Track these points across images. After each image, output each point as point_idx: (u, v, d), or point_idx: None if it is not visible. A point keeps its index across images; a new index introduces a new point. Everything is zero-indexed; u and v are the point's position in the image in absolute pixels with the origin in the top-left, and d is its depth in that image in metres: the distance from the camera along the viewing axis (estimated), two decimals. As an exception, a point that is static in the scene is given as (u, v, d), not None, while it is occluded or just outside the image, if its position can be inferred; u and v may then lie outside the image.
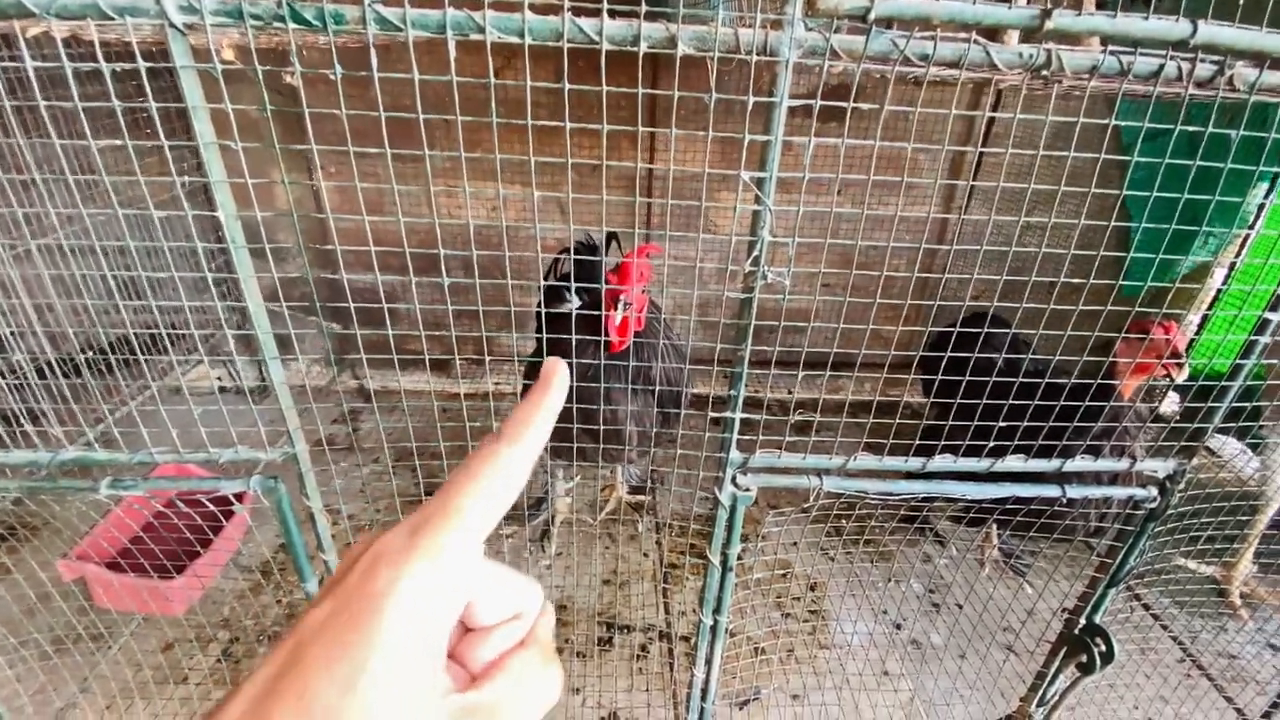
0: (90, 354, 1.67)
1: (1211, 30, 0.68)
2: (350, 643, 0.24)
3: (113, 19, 0.65)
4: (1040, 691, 1.22)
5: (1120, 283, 1.13)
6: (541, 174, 2.24)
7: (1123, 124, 0.92)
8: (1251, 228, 2.20)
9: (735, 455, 0.92)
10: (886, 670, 1.70)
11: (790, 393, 2.76)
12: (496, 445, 0.30)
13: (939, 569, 2.05)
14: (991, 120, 2.49)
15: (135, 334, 1.05)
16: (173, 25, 0.65)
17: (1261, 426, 1.67)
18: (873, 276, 2.28)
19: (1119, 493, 0.99)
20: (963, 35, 0.68)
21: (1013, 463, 0.95)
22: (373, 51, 0.65)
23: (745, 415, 0.90)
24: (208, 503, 1.05)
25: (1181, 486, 0.99)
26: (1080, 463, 0.95)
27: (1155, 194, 0.78)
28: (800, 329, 2.50)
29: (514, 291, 1.61)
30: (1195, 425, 0.98)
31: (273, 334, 0.87)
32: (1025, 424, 0.93)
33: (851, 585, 1.97)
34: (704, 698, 1.25)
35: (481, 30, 0.63)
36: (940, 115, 2.25)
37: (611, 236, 1.69)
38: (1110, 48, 0.70)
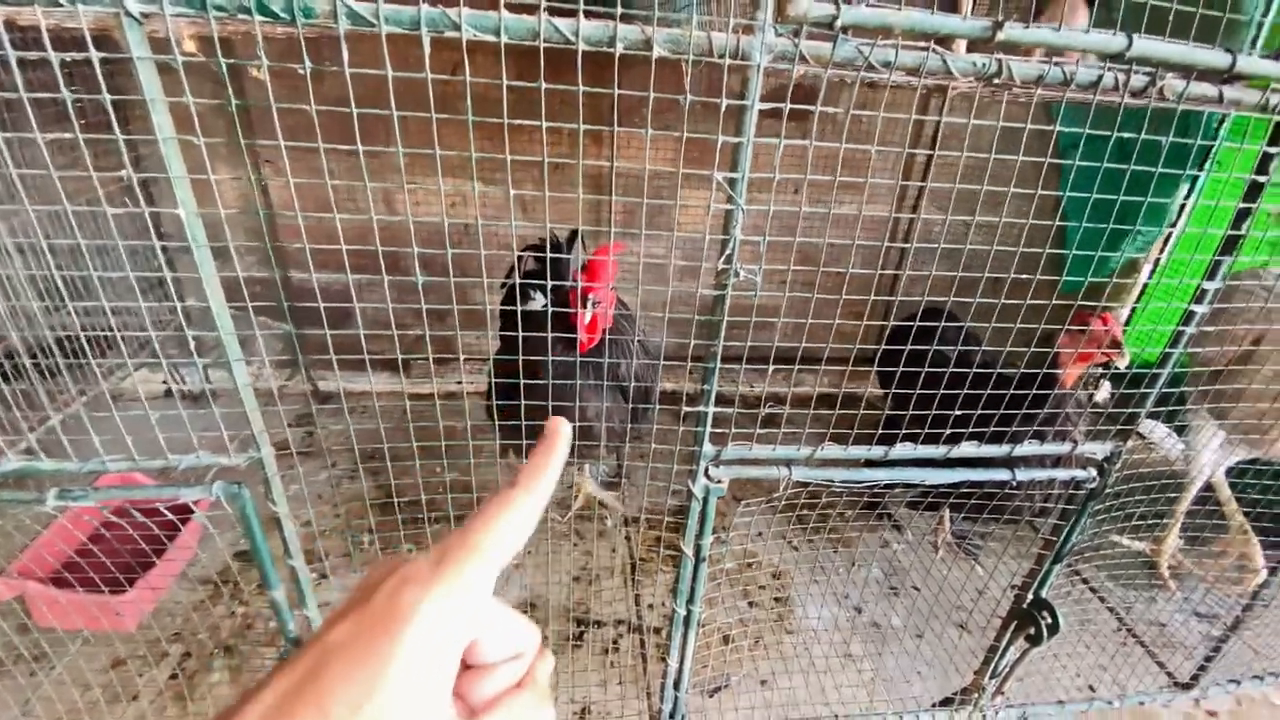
0: (22, 359, 1.57)
1: (1145, 44, 0.73)
2: (372, 659, 0.25)
3: (61, 4, 0.62)
4: (992, 664, 1.29)
5: (1063, 278, 1.21)
6: (501, 172, 2.22)
7: (1063, 129, 0.98)
8: (1174, 226, 2.36)
9: (708, 448, 0.95)
10: (849, 653, 1.77)
11: (752, 387, 2.81)
12: (512, 491, 0.33)
13: (897, 554, 2.13)
14: (937, 125, 2.59)
15: (72, 337, 0.99)
16: (129, 14, 0.63)
17: (1186, 411, 1.80)
18: (834, 274, 2.35)
19: (1063, 474, 1.06)
20: (921, 44, 0.72)
21: (967, 449, 1.01)
22: (344, 46, 0.64)
23: (717, 410, 0.92)
24: (165, 510, 1.01)
25: (1117, 467, 1.07)
26: (1027, 447, 1.01)
27: (1094, 195, 0.84)
28: (769, 325, 2.56)
29: (477, 290, 1.59)
30: (1129, 411, 1.06)
31: (235, 335, 0.84)
32: (978, 413, 0.98)
33: (815, 573, 2.03)
34: (677, 687, 1.27)
35: (457, 28, 0.63)
36: (896, 119, 2.33)
37: (574, 235, 1.69)
38: (1055, 59, 0.75)
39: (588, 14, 0.65)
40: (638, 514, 2.13)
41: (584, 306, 1.30)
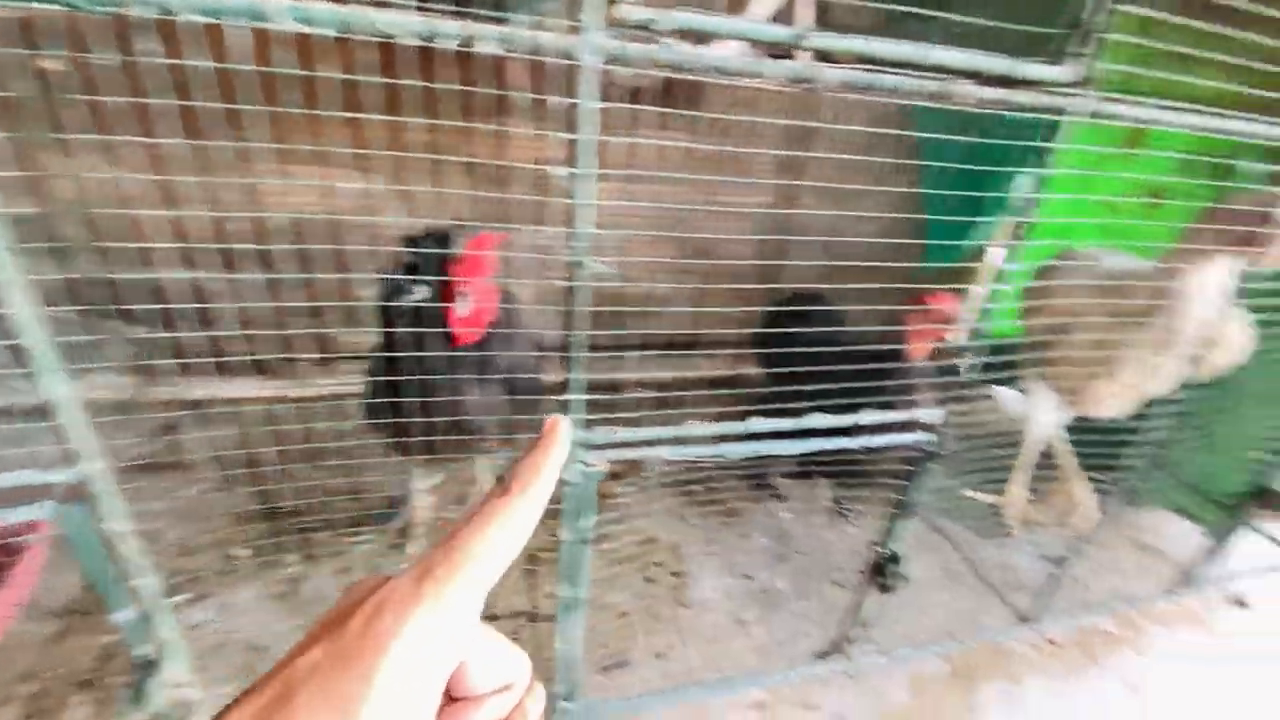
0: None
1: (940, 53, 0.83)
2: (343, 692, 0.23)
3: None
4: (855, 615, 1.42)
5: (924, 264, 1.33)
6: (380, 163, 2.13)
7: (919, 135, 1.10)
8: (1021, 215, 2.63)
9: (579, 435, 0.98)
10: (741, 619, 1.88)
11: (615, 374, 2.89)
12: (504, 497, 0.29)
13: (783, 523, 2.27)
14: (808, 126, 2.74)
15: None
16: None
17: (1022, 376, 2.04)
18: (709, 263, 2.45)
19: (904, 439, 1.18)
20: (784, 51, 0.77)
21: (814, 420, 1.10)
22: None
23: (602, 397, 0.96)
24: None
25: (950, 431, 1.20)
26: (868, 415, 1.12)
27: (946, 192, 0.95)
28: (657, 314, 2.62)
29: (353, 285, 1.54)
30: (961, 379, 1.19)
31: (59, 341, 0.78)
32: (838, 386, 1.08)
33: (708, 546, 2.13)
34: (571, 669, 1.31)
35: (262, 18, 0.61)
36: (769, 114, 2.44)
37: (455, 229, 1.66)
38: (862, 66, 0.83)
39: (429, 10, 0.65)
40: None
41: (459, 300, 1.29)
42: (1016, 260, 1.28)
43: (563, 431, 0.33)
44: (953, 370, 1.30)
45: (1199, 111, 0.98)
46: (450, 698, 0.28)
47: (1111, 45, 1.01)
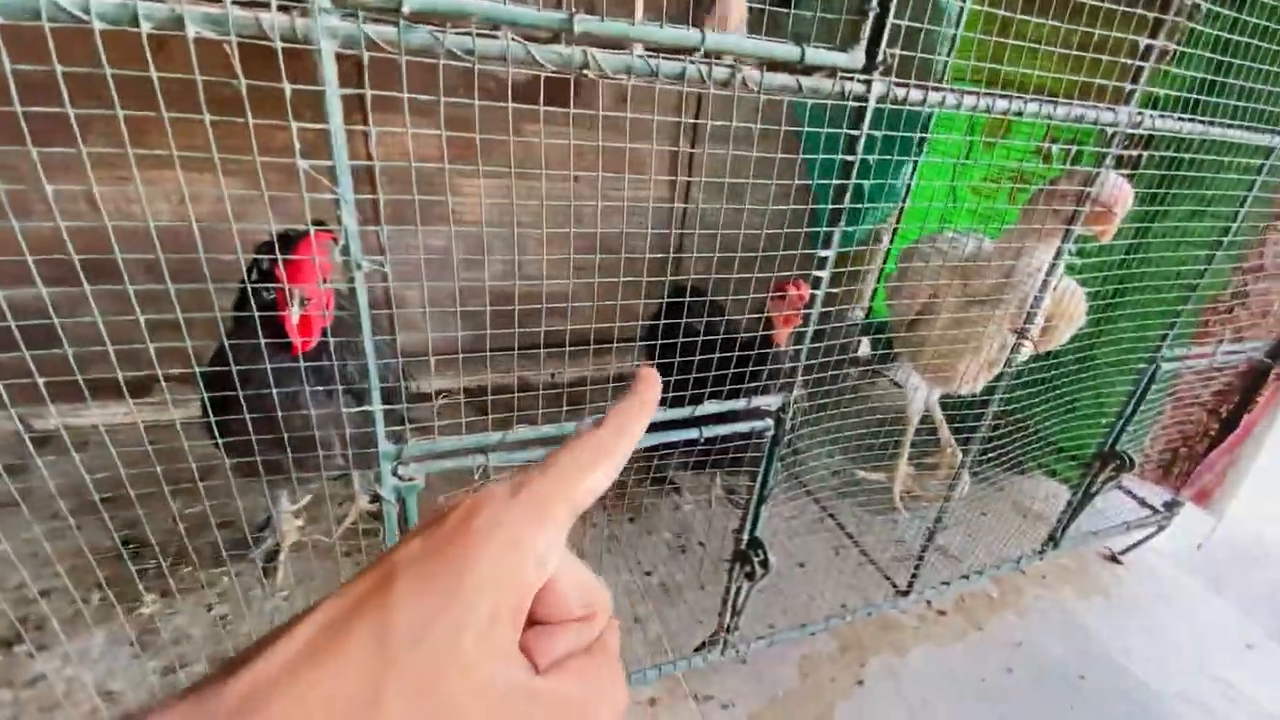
0: None
1: (717, 38, 0.82)
2: (443, 580, 0.23)
3: None
4: (729, 604, 1.42)
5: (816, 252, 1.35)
6: (236, 166, 2.00)
7: (802, 129, 1.11)
8: (904, 201, 2.74)
9: (388, 447, 0.93)
10: (637, 617, 1.86)
11: (503, 373, 2.84)
12: (599, 431, 0.31)
13: (685, 515, 2.28)
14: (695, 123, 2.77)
15: None
16: None
17: (894, 357, 2.11)
18: (596, 258, 2.42)
19: (742, 427, 1.19)
20: (514, 34, 0.74)
21: (658, 412, 1.08)
22: None
23: (408, 406, 0.91)
24: None
25: (795, 417, 1.21)
26: (709, 405, 1.12)
27: (834, 181, 0.95)
28: (559, 310, 2.58)
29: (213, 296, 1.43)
30: (802, 364, 1.21)
31: None
32: (708, 375, 1.07)
33: (610, 545, 2.11)
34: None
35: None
36: (661, 108, 2.44)
37: (304, 233, 1.57)
38: (645, 52, 0.81)
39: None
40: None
41: (290, 307, 1.21)
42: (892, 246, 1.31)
43: (655, 380, 0.34)
44: (814, 354, 1.32)
45: (990, 94, 1.02)
46: (532, 622, 0.28)
47: (964, 40, 1.05)
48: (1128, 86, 1.14)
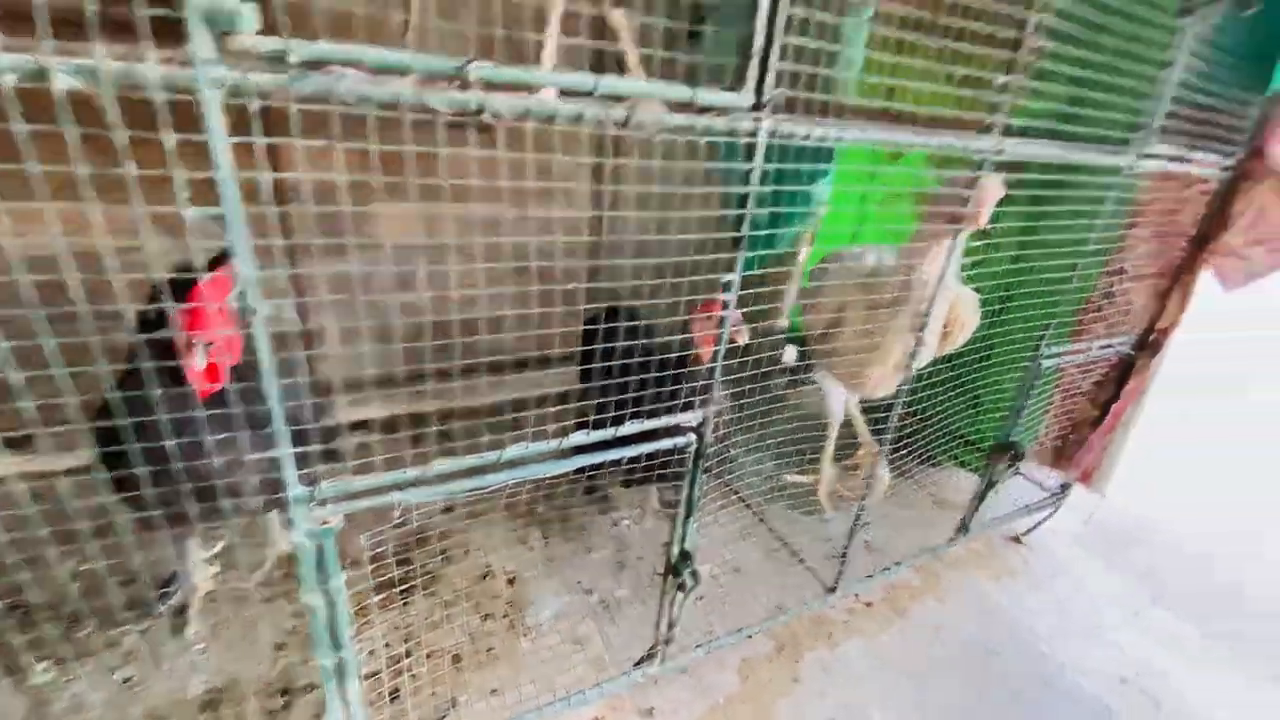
0: None
1: (612, 82, 0.86)
2: None
3: None
4: (666, 617, 1.45)
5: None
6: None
7: (716, 165, 1.16)
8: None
9: (299, 490, 0.90)
10: (578, 636, 1.86)
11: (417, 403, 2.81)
12: None
13: (623, 531, 2.30)
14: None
15: None
16: None
17: (810, 367, 2.22)
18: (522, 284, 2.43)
19: (665, 444, 1.23)
20: (409, 80, 0.75)
21: (577, 437, 1.11)
22: None
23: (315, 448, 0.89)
24: None
25: (714, 431, 1.26)
26: (630, 426, 1.15)
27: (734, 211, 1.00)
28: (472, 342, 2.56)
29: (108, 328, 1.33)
30: (717, 380, 1.26)
31: None
32: (635, 395, 1.10)
33: (548, 566, 2.10)
34: (362, 734, 1.22)
35: None
36: (575, 142, 2.47)
37: (218, 261, 1.50)
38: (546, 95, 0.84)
39: None
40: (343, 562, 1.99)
41: (191, 353, 1.16)
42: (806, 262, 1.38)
43: None
44: (732, 369, 1.37)
45: (874, 126, 1.11)
46: None
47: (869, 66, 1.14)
48: (986, 118, 1.26)
